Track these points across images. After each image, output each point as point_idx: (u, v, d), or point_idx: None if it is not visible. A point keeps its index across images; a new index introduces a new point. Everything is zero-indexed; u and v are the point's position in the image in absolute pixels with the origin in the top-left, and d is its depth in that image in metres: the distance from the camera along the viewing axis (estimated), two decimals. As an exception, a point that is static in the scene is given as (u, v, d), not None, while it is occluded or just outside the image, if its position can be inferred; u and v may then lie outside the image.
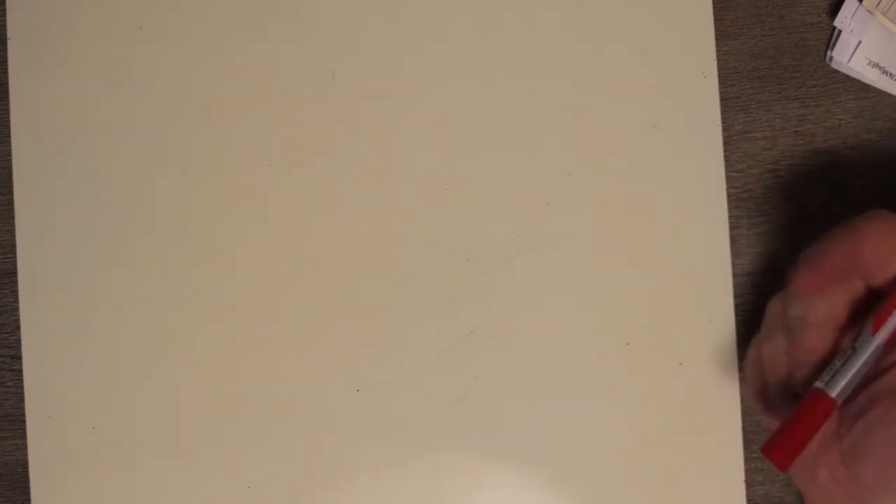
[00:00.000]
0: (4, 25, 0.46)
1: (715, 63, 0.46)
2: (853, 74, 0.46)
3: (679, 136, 0.46)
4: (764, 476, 0.45)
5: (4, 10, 0.46)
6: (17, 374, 0.46)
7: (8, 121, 0.46)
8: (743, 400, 0.45)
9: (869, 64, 0.46)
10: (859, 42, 0.46)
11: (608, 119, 0.46)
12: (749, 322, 0.45)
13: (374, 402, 0.45)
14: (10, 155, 0.46)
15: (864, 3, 0.45)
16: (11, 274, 0.46)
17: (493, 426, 0.45)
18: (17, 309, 0.46)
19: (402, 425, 0.45)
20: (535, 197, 0.46)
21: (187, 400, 0.45)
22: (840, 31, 0.46)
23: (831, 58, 0.46)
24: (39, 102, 0.46)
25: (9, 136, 0.46)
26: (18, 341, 0.46)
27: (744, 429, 0.45)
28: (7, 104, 0.46)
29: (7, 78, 0.46)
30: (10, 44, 0.46)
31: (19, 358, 0.46)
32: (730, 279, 0.45)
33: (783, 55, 0.47)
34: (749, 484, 0.45)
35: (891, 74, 0.46)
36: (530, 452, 0.45)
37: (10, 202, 0.46)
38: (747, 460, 0.45)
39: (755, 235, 0.46)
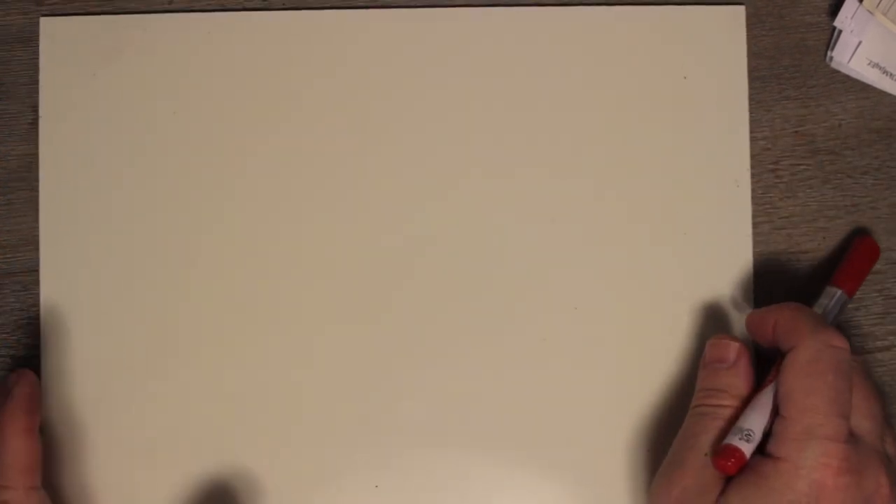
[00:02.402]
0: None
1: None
2: (853, 74, 0.46)
3: (708, 248, 0.45)
4: None
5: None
6: (18, 374, 0.46)
7: (8, 121, 0.46)
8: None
9: (869, 64, 0.46)
10: (859, 42, 0.46)
11: (638, 224, 0.46)
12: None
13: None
14: (8, 155, 0.46)
15: (864, 3, 0.45)
16: (12, 274, 0.46)
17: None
18: (17, 309, 0.46)
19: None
20: (563, 301, 0.46)
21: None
22: (840, 31, 0.46)
23: (831, 58, 0.46)
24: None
25: (8, 135, 0.46)
26: (18, 341, 0.45)
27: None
28: (7, 104, 0.46)
29: (12, 79, 0.46)
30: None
31: (20, 358, 0.46)
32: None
33: (783, 55, 0.47)
34: None
35: (891, 74, 0.46)
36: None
37: (10, 203, 0.46)
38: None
39: (755, 235, 0.46)
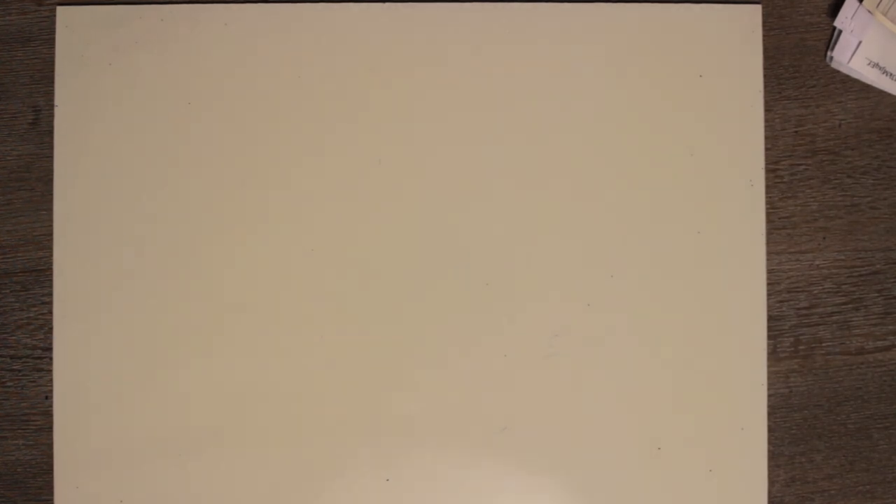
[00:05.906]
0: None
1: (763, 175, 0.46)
2: (853, 74, 0.46)
3: (722, 247, 0.45)
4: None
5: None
6: (17, 373, 0.46)
7: (9, 121, 0.46)
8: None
9: (869, 64, 0.46)
10: (859, 42, 0.46)
11: (652, 223, 0.46)
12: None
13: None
14: (8, 155, 0.46)
15: (864, 3, 0.45)
16: (12, 274, 0.46)
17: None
18: (16, 309, 0.46)
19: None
20: (576, 297, 0.45)
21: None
22: (840, 32, 0.46)
23: (831, 58, 0.46)
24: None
25: (8, 135, 0.46)
26: (19, 341, 0.46)
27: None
28: (7, 104, 0.46)
29: (12, 79, 0.46)
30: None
31: (20, 358, 0.46)
32: (764, 390, 0.45)
33: (783, 55, 0.47)
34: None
35: (891, 74, 0.46)
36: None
37: (10, 203, 0.46)
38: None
39: (755, 235, 0.46)
